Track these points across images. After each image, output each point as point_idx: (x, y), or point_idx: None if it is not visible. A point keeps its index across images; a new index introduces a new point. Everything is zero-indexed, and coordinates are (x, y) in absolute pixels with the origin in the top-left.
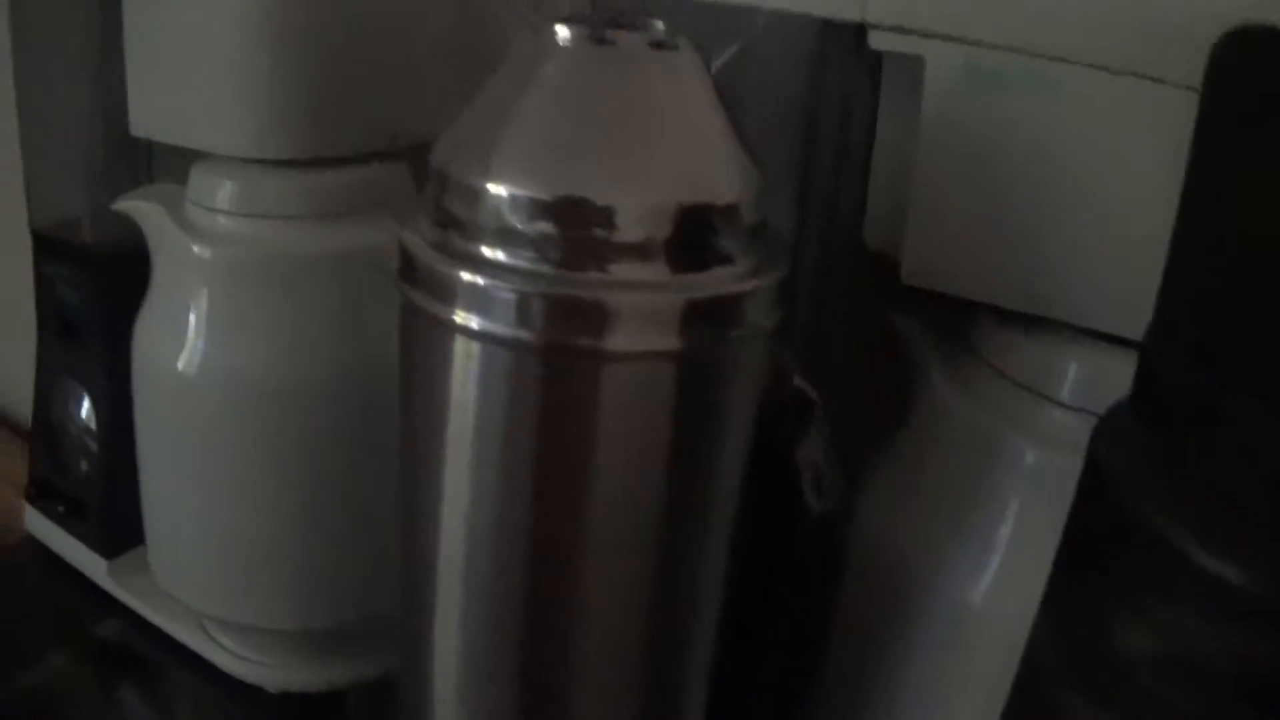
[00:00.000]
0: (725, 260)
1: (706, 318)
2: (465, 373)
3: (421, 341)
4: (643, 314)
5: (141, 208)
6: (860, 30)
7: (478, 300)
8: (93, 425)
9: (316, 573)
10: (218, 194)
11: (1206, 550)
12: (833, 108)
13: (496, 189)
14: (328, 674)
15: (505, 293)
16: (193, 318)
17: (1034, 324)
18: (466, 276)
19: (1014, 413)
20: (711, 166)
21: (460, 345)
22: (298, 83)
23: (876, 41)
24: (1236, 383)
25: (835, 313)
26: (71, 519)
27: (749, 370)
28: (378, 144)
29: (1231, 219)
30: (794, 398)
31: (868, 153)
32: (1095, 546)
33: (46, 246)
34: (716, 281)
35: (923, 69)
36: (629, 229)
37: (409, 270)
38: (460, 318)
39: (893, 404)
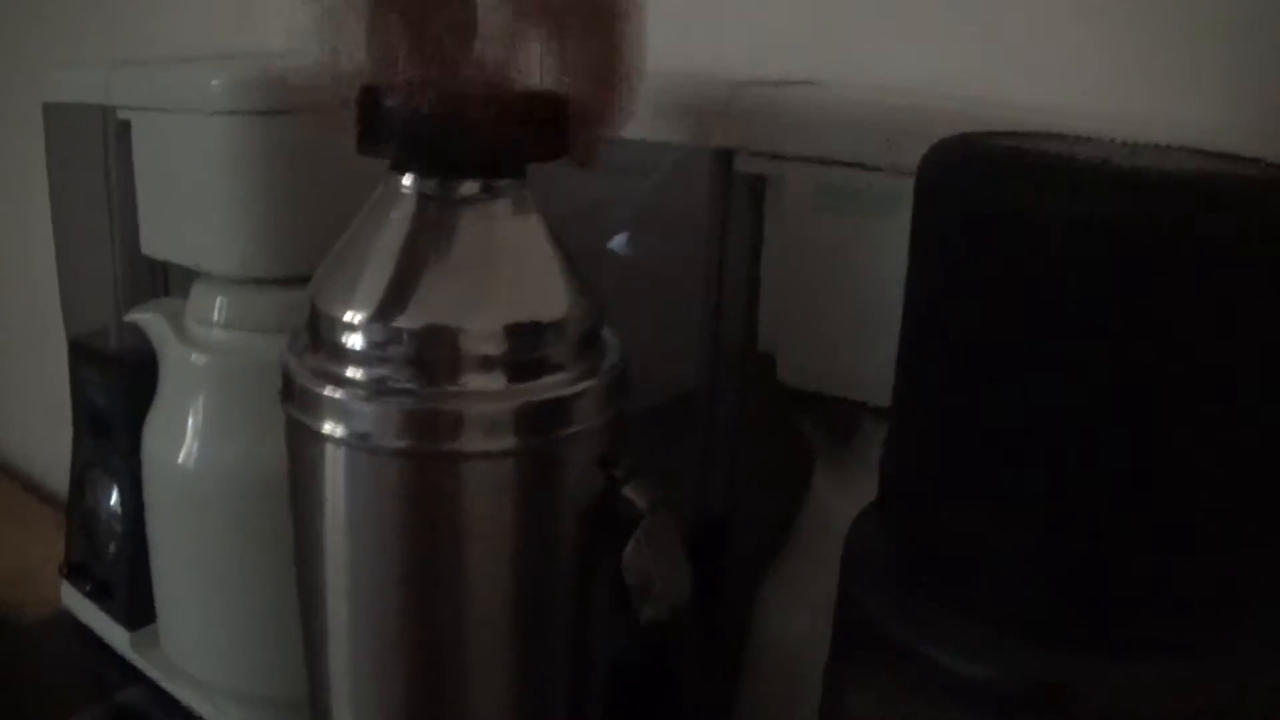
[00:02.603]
0: (556, 369)
1: (538, 419)
2: (335, 476)
3: (300, 450)
4: (484, 420)
5: (147, 319)
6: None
7: (342, 413)
8: (120, 512)
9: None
10: (213, 309)
11: (923, 640)
12: (730, 228)
13: (356, 318)
14: None
15: (366, 406)
16: (191, 419)
17: None
18: (332, 393)
19: None
20: (539, 290)
21: (330, 452)
22: (277, 212)
23: (742, 165)
24: (953, 493)
25: (745, 414)
26: (99, 595)
27: (581, 465)
28: None
29: (941, 332)
30: (622, 508)
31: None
32: (843, 628)
33: (79, 353)
34: (545, 388)
35: (785, 189)
36: (470, 347)
37: (288, 388)
38: (328, 428)
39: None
